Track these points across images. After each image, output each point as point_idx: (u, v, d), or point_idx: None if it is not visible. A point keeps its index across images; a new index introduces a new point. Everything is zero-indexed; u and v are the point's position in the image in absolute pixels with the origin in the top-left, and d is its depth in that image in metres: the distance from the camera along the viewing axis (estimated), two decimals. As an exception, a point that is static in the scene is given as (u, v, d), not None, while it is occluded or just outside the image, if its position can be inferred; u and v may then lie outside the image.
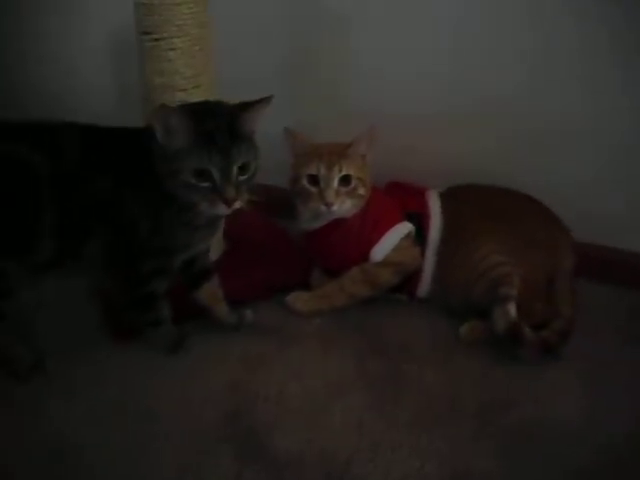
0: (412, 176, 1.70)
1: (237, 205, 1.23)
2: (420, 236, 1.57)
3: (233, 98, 1.33)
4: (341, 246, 1.56)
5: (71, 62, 2.11)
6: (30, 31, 2.13)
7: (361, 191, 1.53)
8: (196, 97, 1.53)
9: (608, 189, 1.65)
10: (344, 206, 1.52)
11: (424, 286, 1.58)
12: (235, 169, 1.21)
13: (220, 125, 1.20)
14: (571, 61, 1.58)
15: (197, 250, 1.40)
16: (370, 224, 1.55)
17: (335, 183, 1.50)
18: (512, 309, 1.42)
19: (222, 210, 1.23)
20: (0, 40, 2.18)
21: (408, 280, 1.57)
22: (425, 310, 1.59)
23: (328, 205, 1.50)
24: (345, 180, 1.51)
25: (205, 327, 1.51)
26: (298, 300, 1.58)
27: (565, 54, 1.58)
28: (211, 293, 1.48)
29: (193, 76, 1.52)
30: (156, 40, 1.48)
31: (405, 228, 1.56)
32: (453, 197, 1.61)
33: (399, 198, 1.62)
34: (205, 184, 1.20)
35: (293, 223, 1.65)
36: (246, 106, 1.24)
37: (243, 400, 1.34)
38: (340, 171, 1.50)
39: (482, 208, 1.56)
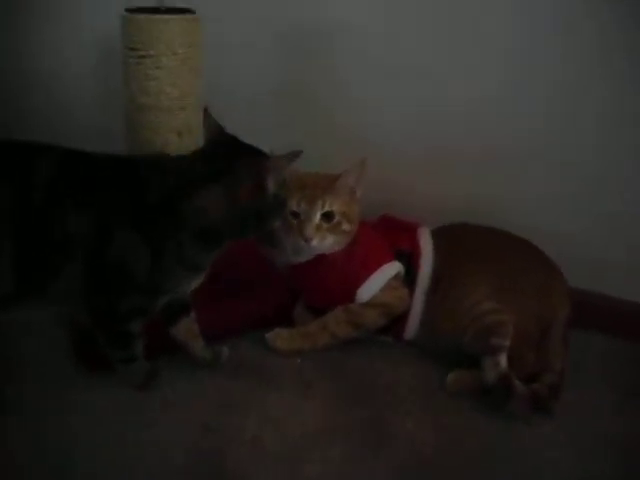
0: (405, 211, 1.63)
1: None
2: (409, 276, 1.50)
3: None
4: (326, 283, 1.49)
5: (54, 74, 2.04)
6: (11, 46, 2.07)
7: (345, 227, 1.45)
8: (181, 119, 1.47)
9: (607, 235, 1.60)
10: (325, 242, 1.44)
11: (411, 329, 1.50)
12: None
13: None
14: (578, 110, 1.55)
15: (185, 290, 1.33)
16: (357, 262, 1.47)
17: (316, 218, 1.42)
18: (503, 360, 1.35)
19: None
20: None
21: (395, 322, 1.50)
22: (411, 354, 1.52)
23: (307, 240, 1.42)
24: (327, 216, 1.43)
25: (179, 363, 1.43)
26: (279, 338, 1.50)
27: (574, 104, 1.55)
28: (187, 328, 1.40)
29: (179, 97, 1.45)
30: (142, 57, 1.41)
31: (394, 268, 1.49)
32: (446, 236, 1.54)
33: (390, 234, 1.55)
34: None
35: (279, 254, 1.57)
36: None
37: (215, 444, 1.26)
38: (323, 207, 1.43)
39: (476, 250, 1.50)
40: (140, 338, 1.32)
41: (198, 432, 1.28)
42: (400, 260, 1.50)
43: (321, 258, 1.47)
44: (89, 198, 1.19)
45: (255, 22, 1.77)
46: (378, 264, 1.48)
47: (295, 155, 1.22)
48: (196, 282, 1.34)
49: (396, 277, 1.49)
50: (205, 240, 1.24)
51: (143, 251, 1.21)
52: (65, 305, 1.32)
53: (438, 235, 1.55)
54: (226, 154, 1.24)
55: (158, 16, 1.40)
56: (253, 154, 1.24)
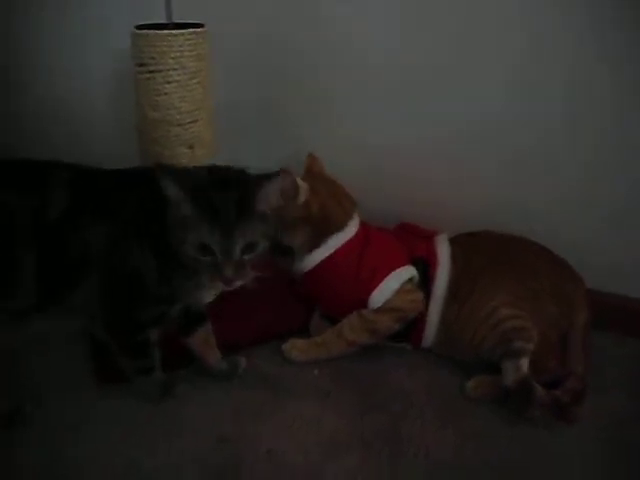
0: (423, 220, 1.63)
1: (237, 284, 1.16)
2: (427, 283, 1.48)
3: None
4: (338, 289, 1.48)
5: (68, 88, 2.07)
6: (26, 63, 2.10)
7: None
8: (192, 132, 1.48)
9: (628, 237, 1.56)
10: None
11: (429, 336, 1.48)
12: (238, 249, 1.13)
13: (227, 199, 1.11)
14: (591, 119, 1.52)
15: (200, 300, 1.32)
16: (369, 266, 1.46)
17: None
18: (525, 364, 1.33)
19: (221, 287, 1.18)
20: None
21: (412, 329, 1.48)
22: (429, 361, 1.50)
23: None
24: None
25: (196, 374, 1.43)
26: (294, 348, 1.50)
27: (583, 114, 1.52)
28: (203, 339, 1.40)
29: (190, 111, 1.46)
30: (151, 72, 1.43)
31: (407, 273, 1.47)
32: (464, 244, 1.52)
33: (407, 242, 1.53)
34: (207, 258, 1.13)
35: (290, 263, 1.57)
36: (261, 180, 1.15)
37: (232, 456, 1.25)
38: None
39: (495, 257, 1.47)
40: (156, 347, 1.33)
41: (214, 443, 1.27)
42: (417, 267, 1.49)
43: (329, 263, 1.48)
44: (105, 211, 1.21)
45: (258, 35, 1.76)
46: (391, 268, 1.47)
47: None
48: (212, 293, 1.33)
49: (410, 282, 1.47)
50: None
51: (152, 262, 1.21)
52: (83, 316, 1.33)
53: (456, 242, 1.53)
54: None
55: (166, 31, 1.41)
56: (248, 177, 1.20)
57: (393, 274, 1.46)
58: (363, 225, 1.54)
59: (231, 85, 1.69)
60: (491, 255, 1.48)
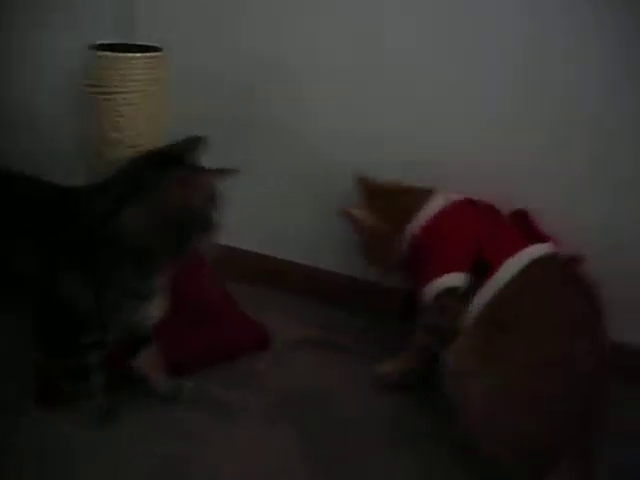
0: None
1: None
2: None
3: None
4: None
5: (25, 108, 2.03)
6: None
7: None
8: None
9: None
10: None
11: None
12: None
13: None
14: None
15: (142, 321, 1.29)
16: (431, 256, 1.38)
17: None
18: None
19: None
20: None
21: None
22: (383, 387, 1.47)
23: None
24: None
25: (141, 396, 1.38)
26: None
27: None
28: (148, 361, 1.37)
29: (146, 132, 1.47)
30: (107, 94, 1.44)
31: (454, 280, 1.32)
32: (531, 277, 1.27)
33: (499, 236, 1.36)
34: None
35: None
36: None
37: (178, 477, 1.21)
38: None
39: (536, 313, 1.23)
40: (100, 370, 1.29)
41: (157, 469, 1.23)
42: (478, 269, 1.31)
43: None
44: (36, 237, 1.19)
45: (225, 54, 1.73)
46: (448, 267, 1.34)
47: (228, 173, 1.17)
48: (155, 312, 1.29)
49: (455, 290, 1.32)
50: (138, 263, 1.19)
51: (85, 290, 1.18)
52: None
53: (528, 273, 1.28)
54: (150, 169, 1.19)
55: (130, 54, 1.43)
56: (180, 168, 1.18)
57: (439, 280, 1.34)
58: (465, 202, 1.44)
59: (191, 105, 1.68)
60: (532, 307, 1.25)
